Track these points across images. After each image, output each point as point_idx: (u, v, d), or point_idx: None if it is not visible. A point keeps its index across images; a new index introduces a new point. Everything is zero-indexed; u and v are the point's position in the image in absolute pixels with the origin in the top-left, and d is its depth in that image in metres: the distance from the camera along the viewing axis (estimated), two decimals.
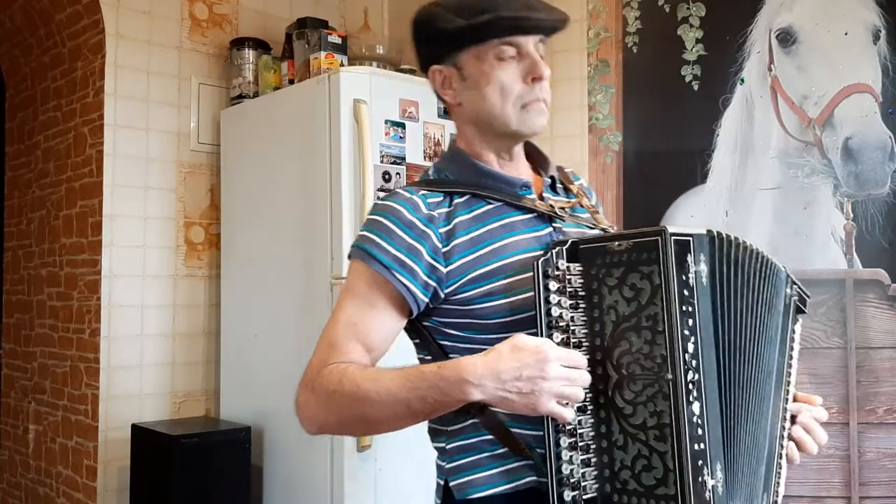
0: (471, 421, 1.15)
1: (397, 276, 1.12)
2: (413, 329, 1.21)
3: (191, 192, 2.86)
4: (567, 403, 1.01)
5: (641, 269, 1.02)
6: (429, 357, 1.20)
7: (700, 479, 0.99)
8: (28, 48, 3.16)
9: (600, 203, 1.40)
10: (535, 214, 1.19)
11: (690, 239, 1.03)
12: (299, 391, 1.17)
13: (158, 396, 2.74)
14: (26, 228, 3.21)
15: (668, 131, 2.49)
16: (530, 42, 1.16)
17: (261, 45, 2.86)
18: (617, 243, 1.04)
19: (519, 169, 1.25)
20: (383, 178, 2.34)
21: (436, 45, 1.22)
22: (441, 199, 1.18)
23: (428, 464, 2.52)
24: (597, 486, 1.05)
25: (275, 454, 2.52)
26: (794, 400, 1.21)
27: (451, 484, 1.19)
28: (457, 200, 1.18)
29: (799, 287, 1.21)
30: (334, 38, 2.54)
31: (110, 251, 2.67)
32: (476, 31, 1.14)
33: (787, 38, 2.32)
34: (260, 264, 2.62)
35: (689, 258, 1.02)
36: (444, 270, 1.14)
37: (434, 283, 1.14)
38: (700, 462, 1.00)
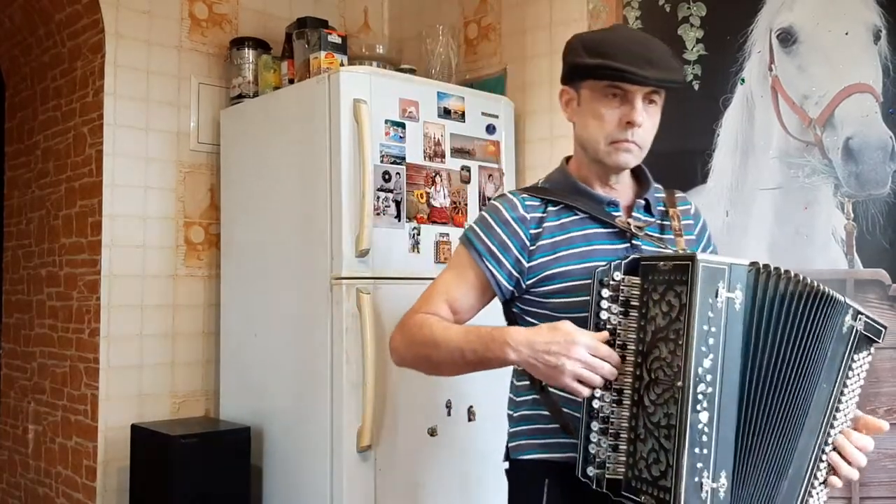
0: (532, 396, 1.38)
1: (486, 262, 1.39)
2: (506, 312, 1.45)
3: (191, 192, 2.86)
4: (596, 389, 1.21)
5: (676, 288, 1.16)
6: None
7: (697, 479, 1.12)
8: (28, 48, 3.16)
9: (707, 228, 1.55)
10: (615, 230, 1.38)
11: (725, 268, 1.16)
12: (393, 330, 1.44)
13: (158, 396, 2.74)
14: (26, 228, 3.21)
15: (668, 131, 2.46)
16: (639, 92, 1.34)
17: (261, 45, 2.86)
18: (663, 263, 1.19)
19: (618, 188, 1.44)
20: (383, 177, 2.34)
21: (566, 69, 1.42)
22: (538, 203, 1.41)
23: (427, 464, 2.53)
24: (621, 469, 1.20)
25: (274, 454, 2.52)
26: (856, 427, 1.31)
27: (509, 445, 1.45)
28: (551, 208, 1.40)
29: (868, 318, 1.29)
30: (334, 38, 2.54)
31: (110, 251, 2.67)
32: (589, 70, 1.34)
33: (787, 38, 2.32)
34: (260, 264, 2.62)
35: (721, 284, 1.15)
36: (527, 265, 1.38)
37: (517, 275, 1.38)
38: (700, 465, 1.12)
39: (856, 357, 1.29)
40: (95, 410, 2.64)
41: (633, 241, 1.38)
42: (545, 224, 1.39)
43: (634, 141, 1.36)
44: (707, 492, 1.12)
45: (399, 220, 2.36)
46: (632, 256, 1.24)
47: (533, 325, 1.36)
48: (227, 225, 2.81)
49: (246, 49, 2.84)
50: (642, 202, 1.44)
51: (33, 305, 3.11)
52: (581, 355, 1.18)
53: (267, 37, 2.91)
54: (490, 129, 2.62)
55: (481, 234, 1.41)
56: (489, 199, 2.50)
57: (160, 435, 2.43)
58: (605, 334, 1.22)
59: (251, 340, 2.64)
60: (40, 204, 3.09)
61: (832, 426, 1.27)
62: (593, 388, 1.20)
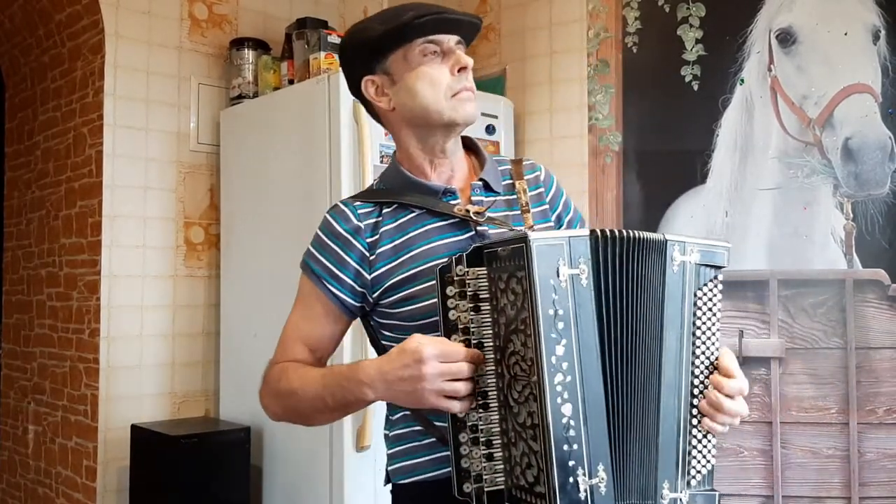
0: (403, 412, 1.26)
1: (327, 284, 1.27)
2: (365, 327, 1.34)
3: (190, 193, 2.86)
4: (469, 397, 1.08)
5: (517, 274, 1.05)
6: (378, 352, 1.30)
7: (571, 479, 1.02)
8: (28, 48, 3.16)
9: (562, 192, 1.40)
10: (455, 220, 1.26)
11: (562, 243, 1.06)
12: (260, 387, 1.32)
13: (158, 397, 2.74)
14: (26, 229, 3.21)
15: (667, 131, 2.49)
16: (451, 40, 1.24)
17: (260, 46, 2.86)
18: (501, 248, 1.08)
19: (454, 169, 1.31)
20: None
21: (365, 56, 1.27)
22: (371, 209, 1.29)
23: None
24: (500, 478, 1.09)
25: (274, 454, 2.52)
26: (717, 369, 1.17)
27: (389, 469, 1.31)
28: (385, 210, 1.28)
29: (701, 245, 1.17)
30: (334, 39, 2.54)
31: (110, 251, 2.67)
32: (399, 32, 1.21)
33: (786, 39, 2.33)
34: (259, 264, 2.62)
35: (561, 262, 1.05)
36: (369, 277, 1.25)
37: (361, 289, 1.26)
38: (572, 463, 1.02)
39: (698, 293, 1.17)
40: (95, 410, 2.64)
41: (477, 229, 1.25)
42: (382, 229, 1.26)
43: (471, 87, 1.25)
44: (585, 490, 1.02)
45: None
46: (473, 246, 1.12)
47: (390, 338, 1.27)
48: (227, 225, 2.81)
49: (246, 49, 2.84)
50: (479, 183, 1.30)
51: (33, 306, 3.11)
52: (435, 369, 1.06)
53: (267, 37, 2.91)
54: (489, 129, 2.62)
55: (317, 254, 1.29)
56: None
57: (160, 435, 2.44)
58: (458, 339, 1.10)
59: (251, 340, 2.64)
60: (40, 204, 3.09)
61: (693, 375, 1.16)
62: (462, 398, 1.08)
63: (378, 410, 2.25)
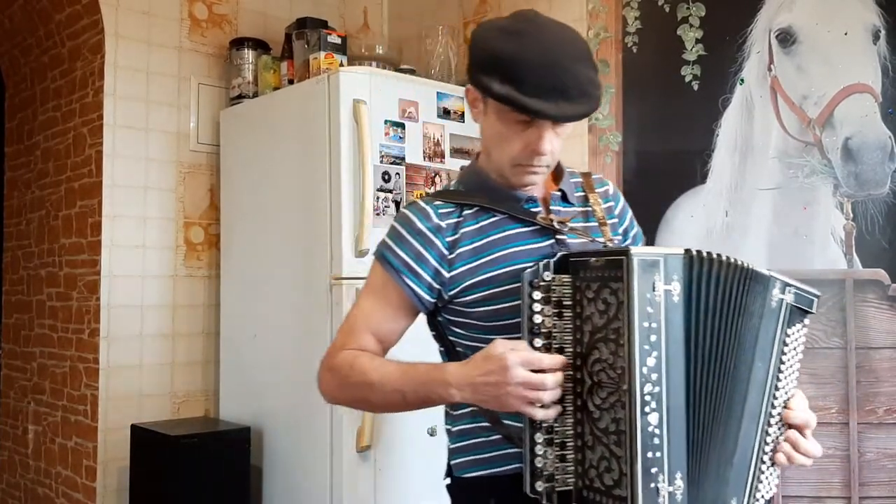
0: (470, 409, 1.29)
1: (404, 278, 1.28)
2: (430, 323, 1.36)
3: (190, 193, 2.86)
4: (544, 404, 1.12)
5: (611, 285, 1.10)
6: (443, 349, 1.36)
7: (653, 485, 1.07)
8: (28, 48, 3.16)
9: (627, 208, 1.48)
10: (537, 227, 1.29)
11: (660, 259, 1.10)
12: (319, 368, 1.36)
13: (158, 397, 2.74)
14: (26, 229, 3.21)
15: (667, 131, 2.48)
16: (547, 120, 1.21)
17: (260, 46, 2.86)
18: (594, 259, 1.13)
19: (533, 185, 1.33)
20: (383, 178, 2.34)
21: (474, 69, 1.26)
22: (452, 209, 1.31)
23: (427, 464, 2.52)
24: (571, 480, 1.14)
25: (274, 454, 2.52)
26: (786, 407, 1.24)
27: (451, 463, 1.35)
28: (466, 212, 1.30)
29: (798, 289, 1.23)
30: (334, 38, 2.54)
31: (110, 251, 2.67)
32: (493, 96, 1.20)
33: (786, 39, 2.32)
34: (260, 264, 2.62)
35: (657, 277, 1.10)
36: (448, 275, 1.28)
37: (438, 286, 1.28)
38: (654, 469, 1.07)
39: (789, 332, 1.23)
40: (95, 410, 2.64)
41: (558, 237, 1.29)
42: (462, 230, 1.29)
43: (541, 165, 1.26)
44: (664, 497, 1.07)
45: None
46: (560, 254, 1.18)
47: (460, 335, 1.31)
48: (226, 225, 2.81)
49: (246, 49, 2.84)
50: (558, 193, 1.35)
51: (33, 306, 3.11)
52: (520, 377, 1.09)
53: (267, 37, 2.91)
54: None
55: (395, 247, 1.31)
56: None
57: (160, 435, 2.44)
58: (539, 343, 1.14)
59: (251, 340, 2.64)
60: (40, 204, 3.09)
61: (773, 406, 1.22)
62: (545, 405, 1.11)
63: (379, 413, 2.26)
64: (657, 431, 1.08)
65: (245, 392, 2.68)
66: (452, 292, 1.28)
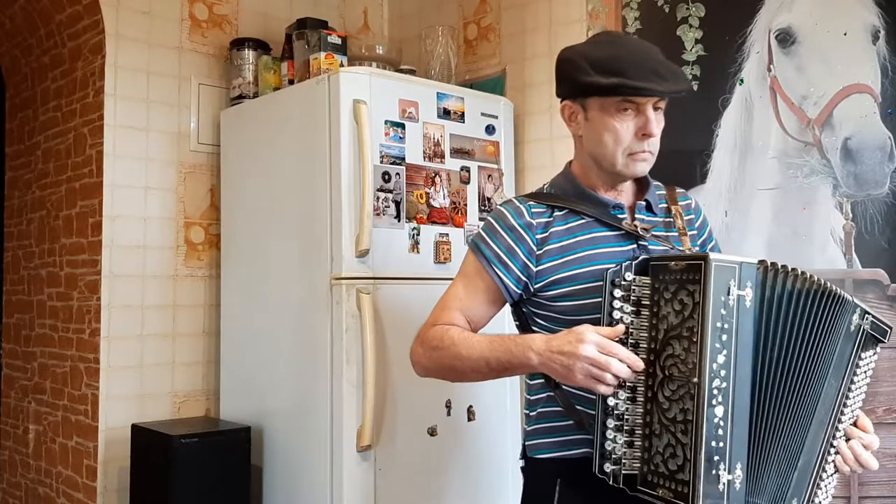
0: (546, 393, 1.42)
1: (495, 268, 1.42)
2: (515, 313, 1.49)
3: (191, 193, 2.86)
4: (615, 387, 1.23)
5: (688, 287, 1.19)
6: None
7: (714, 471, 1.16)
8: (28, 48, 3.16)
9: (707, 222, 1.60)
10: (622, 232, 1.41)
11: (736, 266, 1.20)
12: (414, 342, 1.48)
13: (158, 396, 2.74)
14: (26, 228, 3.21)
15: (667, 131, 2.47)
16: (649, 102, 1.37)
17: (261, 46, 2.86)
18: (674, 263, 1.23)
19: (622, 188, 1.47)
20: (383, 178, 2.34)
21: (570, 86, 1.42)
22: (544, 209, 1.44)
23: (427, 464, 2.53)
24: (637, 464, 1.23)
25: (275, 454, 2.53)
26: (855, 424, 1.36)
27: (526, 443, 1.48)
28: (556, 213, 1.43)
29: (875, 318, 1.33)
30: (334, 39, 2.54)
31: (110, 251, 2.67)
32: (603, 89, 1.34)
33: (786, 39, 2.33)
34: (260, 264, 2.62)
35: (732, 283, 1.19)
36: (535, 269, 1.41)
37: (525, 279, 1.41)
38: (717, 458, 1.16)
39: (863, 355, 1.33)
40: (96, 410, 2.64)
41: (640, 243, 1.40)
42: (552, 229, 1.42)
43: (650, 150, 1.41)
44: (724, 483, 1.16)
45: (399, 221, 2.37)
46: (642, 257, 1.28)
47: (543, 326, 1.43)
48: (227, 225, 2.81)
49: (246, 50, 2.84)
50: (643, 203, 1.47)
51: (34, 305, 3.12)
52: (590, 353, 1.21)
53: (267, 37, 2.91)
54: (489, 129, 2.62)
55: (489, 240, 1.44)
56: (489, 199, 2.51)
57: (160, 435, 2.44)
58: (620, 328, 1.24)
59: (251, 340, 2.65)
60: (41, 204, 3.09)
61: (840, 421, 1.31)
62: (606, 384, 1.22)
63: (379, 411, 2.26)
64: (721, 423, 1.16)
65: (245, 392, 2.68)
66: (538, 285, 1.40)
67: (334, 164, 2.31)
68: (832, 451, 1.32)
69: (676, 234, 1.46)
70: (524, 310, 1.47)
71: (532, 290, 1.42)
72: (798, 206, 2.29)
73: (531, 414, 1.47)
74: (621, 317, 1.25)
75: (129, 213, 2.71)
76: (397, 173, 2.38)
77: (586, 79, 1.35)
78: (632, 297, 1.25)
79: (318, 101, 2.38)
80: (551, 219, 1.43)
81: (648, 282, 1.24)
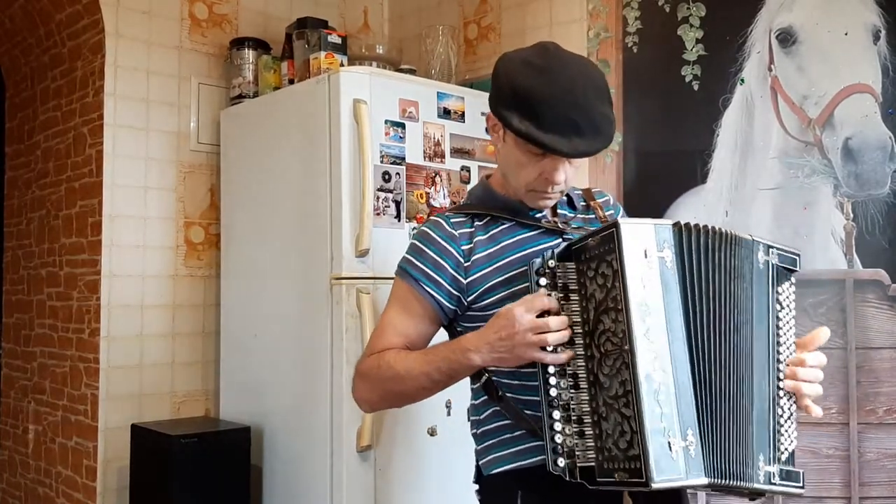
0: (493, 409, 1.38)
1: (424, 286, 1.37)
2: (450, 335, 1.43)
3: (191, 192, 2.86)
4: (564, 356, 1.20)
5: (607, 258, 1.16)
6: None
7: (664, 439, 1.10)
8: (28, 48, 3.16)
9: (625, 215, 1.56)
10: (544, 230, 1.38)
11: (650, 227, 1.17)
12: (353, 378, 1.44)
13: (158, 396, 2.74)
14: (26, 228, 3.21)
15: (668, 131, 2.49)
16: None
17: (261, 45, 2.86)
18: (591, 239, 1.19)
19: None
20: (383, 178, 2.34)
21: (494, 100, 1.36)
22: (464, 219, 1.41)
23: (427, 464, 2.53)
24: (591, 454, 1.18)
25: (274, 454, 2.52)
26: (798, 348, 1.31)
27: (479, 463, 1.43)
28: (478, 222, 1.40)
29: (780, 249, 1.31)
30: (334, 38, 2.54)
31: (110, 251, 2.67)
32: (512, 130, 1.29)
33: (787, 39, 2.32)
34: (260, 264, 2.62)
35: (650, 245, 1.16)
36: (465, 282, 1.36)
37: (457, 293, 1.37)
38: (664, 425, 1.10)
39: (780, 290, 1.30)
40: (95, 410, 2.64)
41: (565, 237, 1.37)
42: (476, 239, 1.38)
43: (555, 193, 1.36)
44: (677, 451, 1.10)
45: (399, 221, 2.36)
46: (563, 244, 1.26)
47: None
48: (227, 225, 2.81)
49: (246, 49, 2.84)
50: (564, 199, 1.45)
51: (33, 305, 3.11)
52: (527, 323, 1.19)
53: (267, 37, 2.91)
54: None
55: (414, 260, 1.40)
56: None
57: (160, 435, 2.44)
58: (541, 292, 1.21)
59: (251, 340, 2.64)
60: (40, 204, 3.09)
61: (779, 361, 1.28)
62: (555, 347, 1.19)
63: (379, 412, 2.25)
64: (663, 388, 1.12)
65: (245, 392, 2.68)
66: (471, 297, 1.36)
67: (334, 164, 2.31)
68: (781, 393, 1.27)
69: (598, 224, 1.43)
70: (458, 329, 1.41)
71: (466, 303, 1.37)
72: (799, 206, 2.29)
73: (479, 432, 1.43)
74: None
75: (129, 212, 2.71)
76: (397, 173, 2.37)
77: (502, 111, 1.30)
78: (558, 284, 1.21)
79: (318, 101, 2.38)
80: (473, 229, 1.39)
81: (573, 266, 1.21)
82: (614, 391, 1.14)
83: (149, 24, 2.78)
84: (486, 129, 1.44)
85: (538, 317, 1.20)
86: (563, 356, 1.19)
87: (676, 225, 1.20)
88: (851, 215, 2.24)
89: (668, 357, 1.13)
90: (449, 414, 2.39)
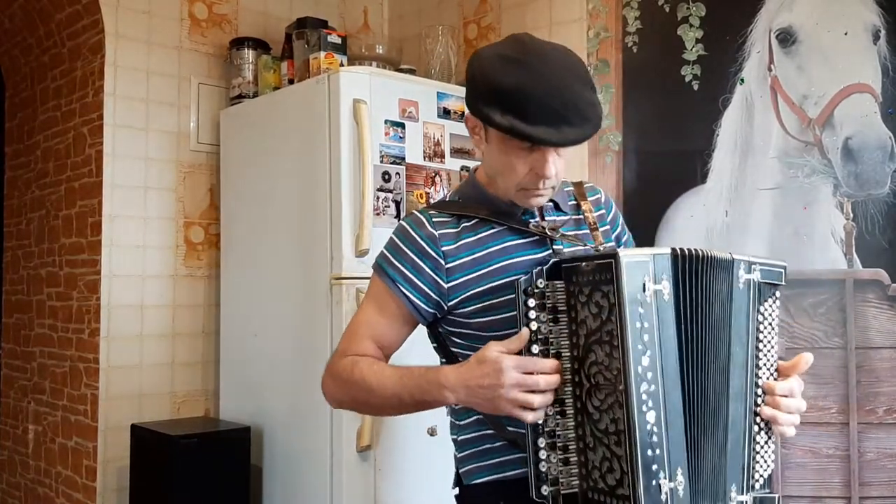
0: (475, 417, 1.32)
1: (401, 288, 1.31)
2: (432, 334, 1.39)
3: (190, 192, 2.86)
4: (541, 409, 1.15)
5: (602, 288, 1.12)
6: (444, 360, 1.38)
7: (654, 482, 1.09)
8: (28, 48, 3.16)
9: (619, 214, 1.52)
10: (534, 238, 1.32)
11: (648, 260, 1.13)
12: (323, 374, 1.39)
13: (158, 396, 2.74)
14: (26, 228, 3.21)
15: (668, 131, 2.48)
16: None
17: (260, 45, 2.86)
18: (584, 264, 1.15)
19: None
20: (383, 178, 2.34)
21: (470, 103, 1.28)
22: (448, 219, 1.34)
23: (427, 464, 2.53)
24: (575, 482, 1.16)
25: (274, 454, 2.52)
26: (780, 373, 1.27)
27: (460, 471, 1.38)
28: (465, 224, 1.33)
29: (763, 265, 1.26)
30: (334, 38, 2.54)
31: (110, 251, 2.67)
32: (496, 126, 1.22)
33: (786, 38, 2.32)
34: (260, 264, 2.62)
35: (647, 278, 1.12)
36: (447, 286, 1.30)
37: (436, 296, 1.31)
38: (655, 467, 1.09)
39: (761, 309, 1.26)
40: (95, 410, 2.64)
41: (554, 247, 1.32)
42: (462, 241, 1.32)
43: (545, 188, 1.29)
44: (666, 493, 1.09)
45: (399, 220, 2.36)
46: (552, 261, 1.19)
47: (460, 345, 1.34)
48: (227, 225, 2.81)
49: (246, 49, 2.84)
50: (550, 204, 1.38)
51: (33, 305, 3.11)
52: (513, 379, 1.13)
53: (267, 37, 2.91)
54: None
55: (392, 258, 1.33)
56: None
57: (160, 435, 2.44)
58: (524, 333, 1.16)
59: (251, 340, 2.64)
60: (40, 204, 3.09)
61: (757, 385, 1.25)
62: (536, 409, 1.14)
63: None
64: (655, 430, 1.10)
65: (245, 392, 2.68)
66: (453, 302, 1.30)
67: (334, 164, 2.31)
68: (758, 419, 1.24)
69: (587, 230, 1.39)
70: (440, 330, 1.36)
71: (446, 308, 1.31)
72: (799, 205, 2.29)
73: (459, 439, 1.38)
74: (538, 327, 1.17)
75: (129, 212, 2.71)
76: (397, 173, 2.37)
77: (483, 109, 1.22)
78: (547, 305, 1.17)
79: (318, 101, 2.38)
80: (458, 229, 1.33)
81: (562, 286, 1.17)
82: (604, 426, 1.12)
83: (148, 24, 2.78)
84: (468, 130, 1.37)
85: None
86: (541, 414, 1.15)
87: (673, 252, 1.17)
88: (851, 215, 2.24)
89: (661, 396, 1.11)
90: (449, 414, 2.39)
